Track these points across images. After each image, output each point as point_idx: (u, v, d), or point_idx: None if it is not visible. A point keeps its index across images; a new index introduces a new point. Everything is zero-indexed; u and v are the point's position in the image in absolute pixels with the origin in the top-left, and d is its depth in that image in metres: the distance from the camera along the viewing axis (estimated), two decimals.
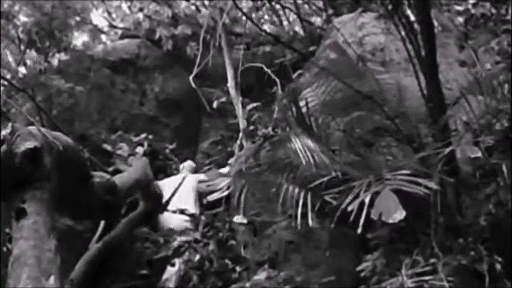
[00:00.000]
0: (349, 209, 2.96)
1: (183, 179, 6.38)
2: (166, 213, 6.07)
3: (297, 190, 3.93)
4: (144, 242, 5.64)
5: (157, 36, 8.01)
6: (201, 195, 6.15)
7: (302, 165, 4.00)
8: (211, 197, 4.42)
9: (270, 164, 4.23)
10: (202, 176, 6.37)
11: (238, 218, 4.87)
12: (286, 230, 4.59)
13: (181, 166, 6.80)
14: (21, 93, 6.80)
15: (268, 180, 4.15)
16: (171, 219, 5.93)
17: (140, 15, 8.36)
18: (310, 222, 3.74)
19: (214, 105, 7.44)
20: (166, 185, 6.35)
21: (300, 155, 3.80)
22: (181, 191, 6.23)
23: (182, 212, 5.90)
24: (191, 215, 5.87)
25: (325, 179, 3.87)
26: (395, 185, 2.98)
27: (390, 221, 2.80)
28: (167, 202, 6.16)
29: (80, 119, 7.42)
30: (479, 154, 3.13)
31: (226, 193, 4.22)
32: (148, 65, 8.23)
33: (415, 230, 3.64)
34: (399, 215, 2.80)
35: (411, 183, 3.01)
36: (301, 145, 3.85)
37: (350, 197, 3.12)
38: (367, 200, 2.95)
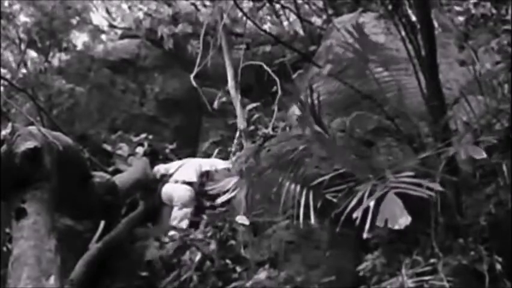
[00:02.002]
0: (354, 215, 2.94)
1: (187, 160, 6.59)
2: (169, 185, 6.17)
3: (298, 189, 3.93)
4: (145, 241, 5.65)
5: (158, 34, 8.02)
6: (202, 177, 6.22)
7: (304, 162, 4.03)
8: (221, 199, 4.45)
9: (275, 160, 4.24)
10: (205, 160, 6.53)
11: (240, 219, 4.88)
12: (286, 230, 4.59)
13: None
14: (21, 93, 6.80)
15: (269, 180, 4.15)
16: (175, 190, 6.09)
17: (141, 14, 8.38)
18: (312, 220, 3.74)
19: (215, 104, 7.44)
20: (173, 166, 6.50)
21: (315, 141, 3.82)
22: (186, 166, 6.36)
23: (184, 182, 6.10)
24: (190, 183, 6.06)
25: (326, 177, 3.88)
26: (399, 189, 2.95)
27: (396, 227, 2.77)
28: (171, 175, 6.28)
29: (80, 119, 7.43)
30: (484, 155, 3.10)
31: (234, 193, 4.23)
32: (148, 65, 8.24)
33: (415, 230, 3.64)
34: (405, 220, 2.77)
35: (414, 185, 2.98)
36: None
37: (353, 200, 3.11)
38: (372, 204, 2.94)
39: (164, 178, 6.31)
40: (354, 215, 2.94)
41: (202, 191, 6.13)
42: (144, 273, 5.20)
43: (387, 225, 2.77)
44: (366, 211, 3.02)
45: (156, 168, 6.50)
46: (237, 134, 6.83)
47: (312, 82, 4.24)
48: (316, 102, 3.97)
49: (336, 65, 4.21)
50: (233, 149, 6.80)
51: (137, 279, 5.20)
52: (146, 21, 8.29)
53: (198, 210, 6.00)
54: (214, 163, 6.42)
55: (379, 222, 2.81)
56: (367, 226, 2.95)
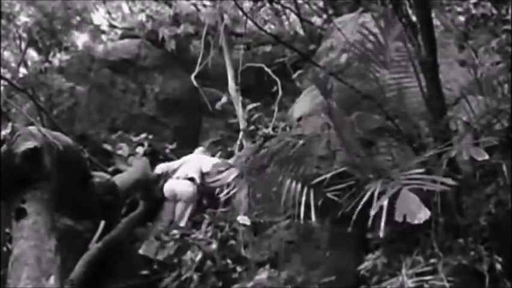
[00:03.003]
0: (372, 213, 2.92)
1: (191, 155, 6.59)
2: (172, 180, 6.20)
3: (298, 188, 3.93)
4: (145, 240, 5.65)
5: (160, 36, 8.03)
6: (203, 175, 6.23)
7: (304, 161, 4.03)
8: (221, 194, 4.46)
9: (275, 155, 4.24)
10: (207, 158, 6.51)
11: (242, 219, 4.88)
12: (286, 230, 4.59)
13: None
14: (21, 93, 6.81)
15: (270, 179, 4.15)
16: (178, 185, 6.09)
17: (143, 16, 8.39)
18: (313, 218, 3.74)
19: (218, 105, 7.43)
20: (178, 160, 6.54)
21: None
22: (189, 160, 6.38)
23: (185, 178, 6.10)
24: (191, 179, 6.05)
25: (328, 175, 3.88)
26: (412, 185, 2.95)
27: (416, 222, 2.76)
28: (174, 171, 6.29)
29: (80, 119, 7.43)
30: (486, 156, 3.10)
31: (234, 190, 4.22)
32: (148, 65, 8.24)
33: (415, 230, 3.64)
34: (424, 215, 2.76)
35: (427, 181, 2.98)
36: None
37: (361, 199, 3.10)
38: (385, 203, 2.92)
39: (167, 175, 6.32)
40: (372, 213, 2.92)
41: (203, 191, 6.14)
42: (144, 273, 5.21)
43: (406, 221, 2.75)
44: (366, 211, 3.01)
45: (158, 166, 6.50)
46: (240, 134, 6.83)
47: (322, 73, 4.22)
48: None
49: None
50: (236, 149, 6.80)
51: (137, 279, 5.21)
52: (148, 23, 8.30)
53: (199, 206, 6.02)
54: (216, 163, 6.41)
55: (397, 217, 2.78)
56: (382, 225, 2.92)
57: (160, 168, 6.44)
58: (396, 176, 3.14)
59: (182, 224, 5.77)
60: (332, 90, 3.85)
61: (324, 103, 3.88)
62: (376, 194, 3.05)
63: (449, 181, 2.99)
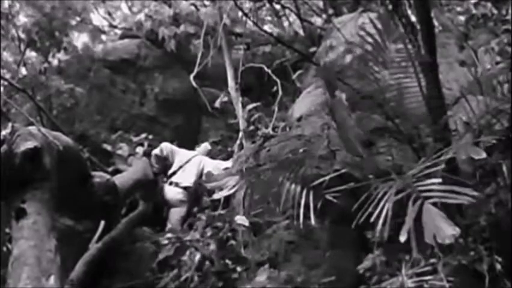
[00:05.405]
0: (403, 233, 2.71)
1: (193, 156, 6.52)
2: (166, 185, 6.26)
3: (298, 189, 3.93)
4: (145, 242, 5.65)
5: (159, 36, 8.02)
6: (201, 177, 6.23)
7: (305, 162, 4.02)
8: (219, 195, 4.45)
9: (275, 160, 4.23)
10: (209, 161, 6.49)
11: (240, 219, 4.87)
12: (286, 230, 4.59)
13: (196, 148, 6.87)
14: (21, 93, 6.81)
15: (269, 180, 4.15)
16: (168, 192, 6.19)
17: (142, 16, 8.38)
18: (312, 221, 3.73)
19: (217, 104, 7.43)
20: (180, 155, 6.48)
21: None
22: (188, 166, 6.35)
23: (177, 185, 6.17)
24: (185, 188, 6.10)
25: (327, 177, 3.88)
26: (433, 198, 2.83)
27: (447, 242, 2.60)
28: (172, 174, 6.30)
29: (80, 119, 7.43)
30: (484, 155, 3.05)
31: (232, 191, 4.23)
32: (148, 65, 8.23)
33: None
34: (454, 231, 2.60)
35: (447, 192, 2.86)
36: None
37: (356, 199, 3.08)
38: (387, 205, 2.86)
39: (166, 166, 6.35)
40: (403, 236, 2.71)
41: (202, 192, 6.14)
42: (144, 273, 5.20)
43: (437, 241, 2.61)
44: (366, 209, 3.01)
45: (163, 145, 6.49)
46: (240, 134, 6.83)
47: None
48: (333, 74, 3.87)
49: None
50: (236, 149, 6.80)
51: (137, 279, 5.20)
52: (147, 22, 8.29)
53: (198, 210, 6.01)
54: (218, 165, 6.38)
55: (427, 239, 2.63)
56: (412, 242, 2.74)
57: (164, 148, 6.42)
58: (409, 183, 3.01)
59: (175, 227, 5.78)
60: (336, 86, 3.82)
61: (328, 99, 3.85)
62: (391, 202, 2.93)
63: (473, 192, 2.86)
